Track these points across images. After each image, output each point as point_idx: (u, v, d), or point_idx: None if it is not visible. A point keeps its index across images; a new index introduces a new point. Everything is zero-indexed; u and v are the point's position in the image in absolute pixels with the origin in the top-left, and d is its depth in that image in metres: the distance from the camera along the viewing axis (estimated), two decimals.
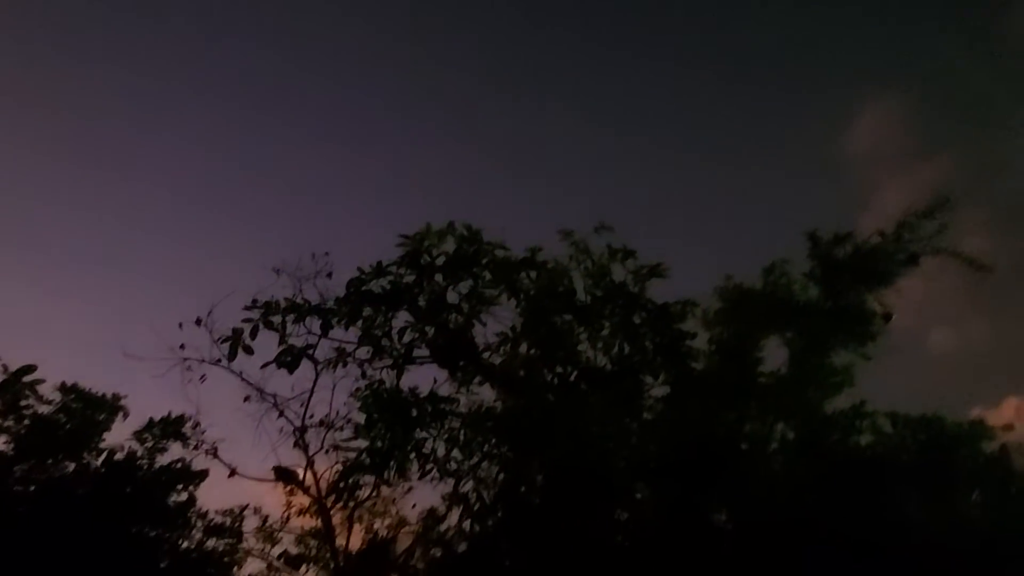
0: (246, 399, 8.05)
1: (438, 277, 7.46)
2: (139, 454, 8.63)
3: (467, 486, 7.45)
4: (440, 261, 7.36)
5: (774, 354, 6.80)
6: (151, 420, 8.80)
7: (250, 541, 8.99)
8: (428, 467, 7.43)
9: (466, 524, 7.34)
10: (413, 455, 7.38)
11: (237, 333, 7.58)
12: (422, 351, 7.86)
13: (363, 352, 7.78)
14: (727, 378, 6.82)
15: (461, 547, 7.39)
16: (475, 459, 7.52)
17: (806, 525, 5.78)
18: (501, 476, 7.45)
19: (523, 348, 7.62)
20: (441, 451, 7.45)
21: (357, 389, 7.41)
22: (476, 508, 7.35)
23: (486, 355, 7.75)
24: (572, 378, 7.24)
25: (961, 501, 5.81)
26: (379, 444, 7.47)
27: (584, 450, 6.77)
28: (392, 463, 7.38)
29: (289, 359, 7.65)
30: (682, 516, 6.56)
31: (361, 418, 7.54)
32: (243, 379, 7.99)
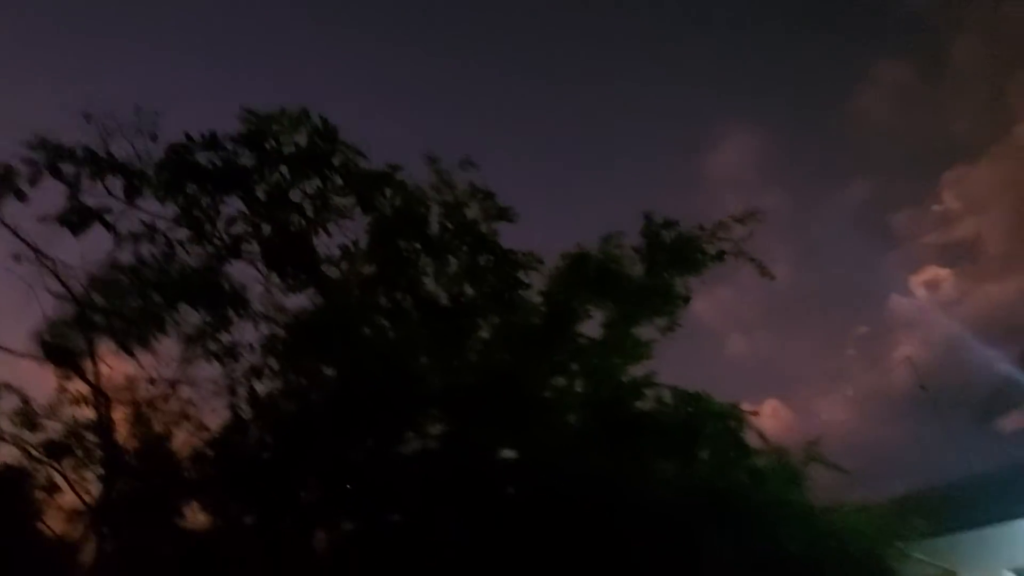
0: (16, 257, 6.73)
1: (283, 169, 6.88)
2: None
3: (265, 387, 7.06)
4: (288, 151, 6.81)
5: (596, 318, 7.35)
6: None
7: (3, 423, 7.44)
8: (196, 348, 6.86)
9: (255, 431, 6.92)
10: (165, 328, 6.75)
11: (9, 171, 6.24)
12: (252, 247, 7.21)
13: (181, 234, 6.93)
14: (548, 333, 7.22)
15: (249, 455, 6.94)
16: (275, 361, 7.13)
17: (584, 474, 6.36)
18: (298, 381, 7.15)
19: (365, 267, 7.36)
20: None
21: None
22: (265, 414, 6.98)
23: (324, 267, 7.36)
24: (408, 307, 7.17)
25: (700, 462, 6.81)
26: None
27: (389, 372, 6.69)
28: (138, 329, 6.67)
29: (75, 219, 6.50)
30: (473, 452, 6.77)
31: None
32: (15, 233, 6.67)
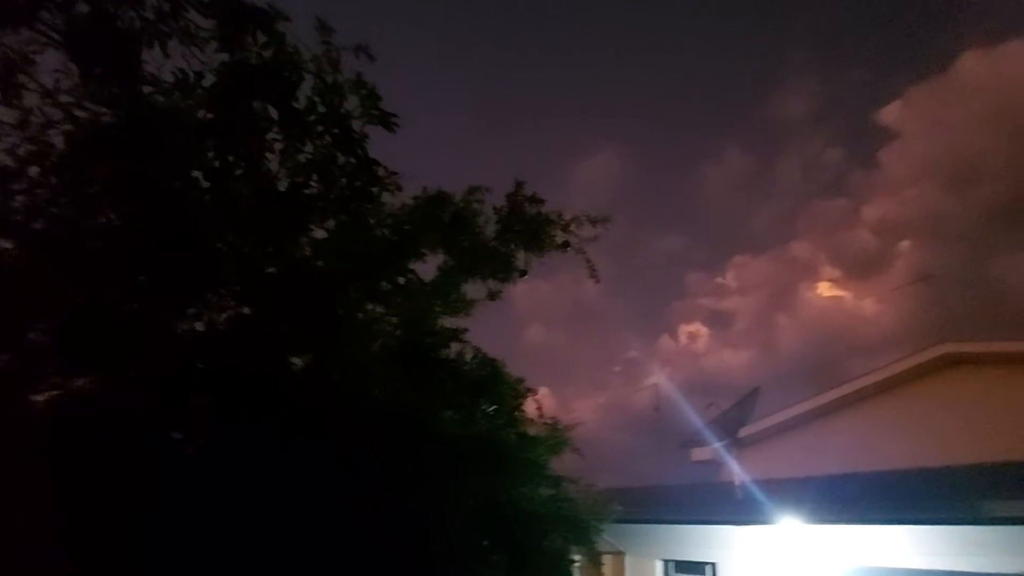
0: None
1: None
2: None
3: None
4: None
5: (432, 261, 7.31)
6: None
7: None
8: None
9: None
10: None
11: None
12: (54, 19, 5.56)
13: None
14: (382, 257, 7.01)
15: None
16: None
17: (377, 402, 6.36)
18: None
19: (200, 112, 6.20)
20: None
21: None
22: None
23: (146, 89, 6.01)
24: (239, 175, 6.26)
25: (484, 416, 7.34)
26: None
27: (188, 232, 5.81)
28: None
29: None
30: (266, 347, 6.29)
31: None
32: None
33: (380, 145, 6.76)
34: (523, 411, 7.48)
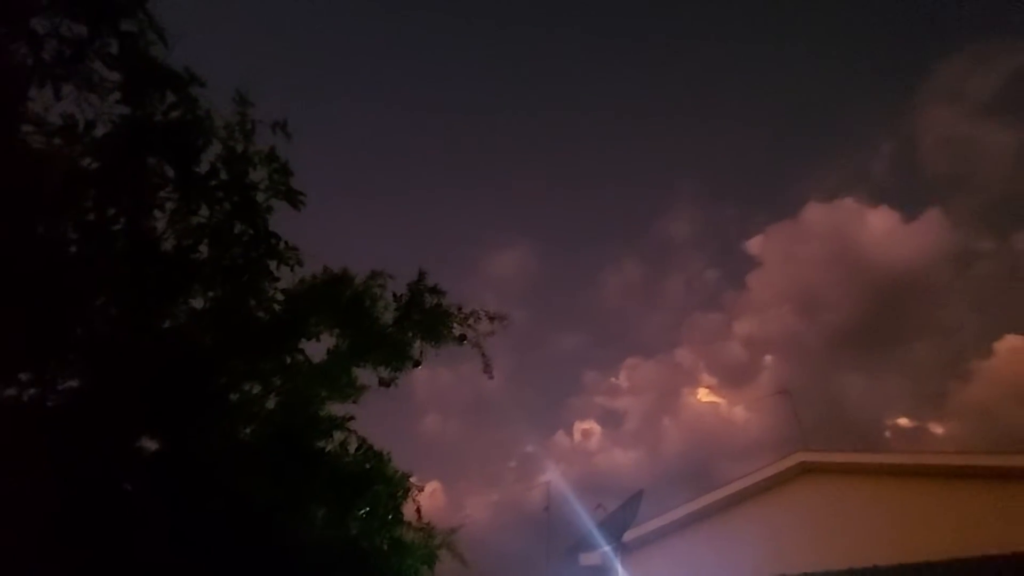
0: None
1: None
2: None
3: None
4: None
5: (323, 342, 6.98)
6: None
7: None
8: None
9: None
10: None
11: None
12: None
13: None
14: (268, 334, 6.61)
15: None
16: None
17: (236, 491, 5.79)
18: None
19: (86, 160, 5.72)
20: None
21: None
22: None
23: (25, 127, 5.49)
24: (119, 230, 5.75)
25: (355, 520, 6.82)
26: None
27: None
28: None
29: None
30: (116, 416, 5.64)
31: None
32: None
33: (287, 222, 6.55)
34: (401, 513, 7.02)
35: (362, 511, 6.68)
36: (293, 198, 6.40)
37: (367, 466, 6.87)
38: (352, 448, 6.99)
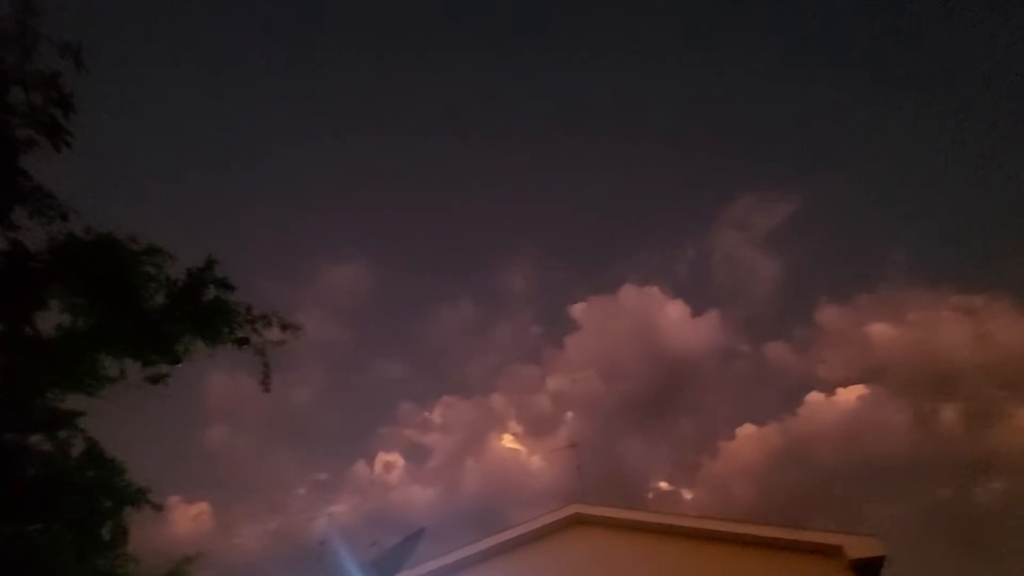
0: None
1: None
2: None
3: None
4: None
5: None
6: None
7: None
8: None
9: None
10: None
11: None
12: None
13: None
14: None
15: None
16: None
17: None
18: None
19: None
20: None
21: None
22: None
23: None
24: None
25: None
26: None
27: None
28: None
29: None
30: None
31: None
32: None
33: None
34: (125, 535, 5.90)
35: (67, 538, 5.52)
36: (56, 136, 5.36)
37: (90, 474, 5.74)
38: (76, 451, 5.82)
